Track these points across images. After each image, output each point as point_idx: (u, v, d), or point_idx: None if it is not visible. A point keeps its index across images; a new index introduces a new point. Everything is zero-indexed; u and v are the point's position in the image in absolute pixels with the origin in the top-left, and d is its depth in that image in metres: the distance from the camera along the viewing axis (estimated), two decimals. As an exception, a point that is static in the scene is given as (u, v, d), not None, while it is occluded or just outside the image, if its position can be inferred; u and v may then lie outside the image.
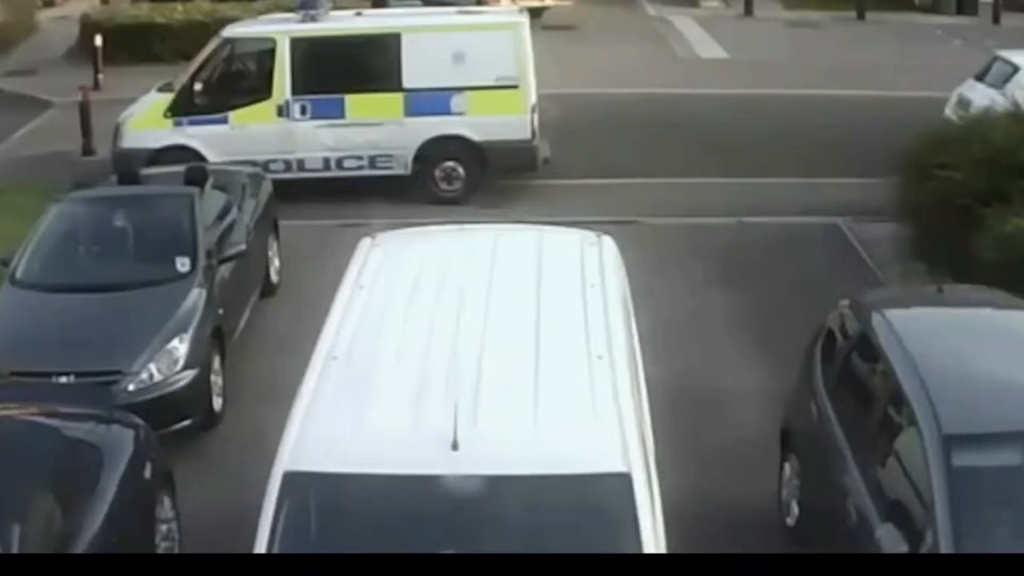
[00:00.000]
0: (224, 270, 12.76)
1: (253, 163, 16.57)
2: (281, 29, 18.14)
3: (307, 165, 17.84)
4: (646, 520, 6.75)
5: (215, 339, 12.01)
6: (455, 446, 6.77)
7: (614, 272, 9.10)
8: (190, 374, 11.41)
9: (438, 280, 8.69)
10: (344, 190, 17.71)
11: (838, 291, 10.75)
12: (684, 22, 32.04)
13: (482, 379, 7.34)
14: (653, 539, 6.75)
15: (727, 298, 14.45)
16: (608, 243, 9.59)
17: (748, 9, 32.92)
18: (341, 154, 17.84)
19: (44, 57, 27.77)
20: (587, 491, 6.80)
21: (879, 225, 15.89)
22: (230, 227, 13.54)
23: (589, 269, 8.94)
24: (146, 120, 17.93)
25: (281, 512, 6.81)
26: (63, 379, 10.87)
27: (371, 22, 18.87)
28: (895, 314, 9.28)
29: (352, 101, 17.80)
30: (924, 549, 7.39)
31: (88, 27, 26.81)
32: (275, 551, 6.71)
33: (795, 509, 9.83)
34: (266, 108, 17.76)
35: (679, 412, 10.65)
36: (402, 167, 17.98)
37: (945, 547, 7.27)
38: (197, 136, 17.64)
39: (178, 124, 17.78)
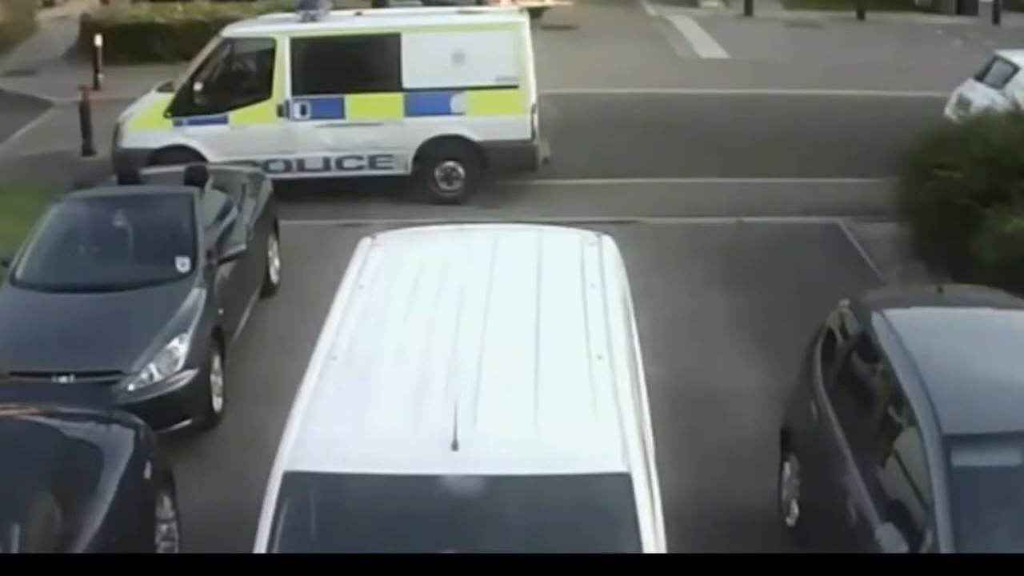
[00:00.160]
0: (224, 270, 12.76)
1: (253, 163, 16.57)
2: (281, 29, 18.14)
3: (307, 165, 17.84)
4: (646, 520, 6.75)
5: (215, 339, 12.01)
6: (455, 446, 6.77)
7: (614, 272, 9.10)
8: (190, 374, 11.41)
9: (438, 280, 8.69)
10: (344, 190, 17.71)
11: (838, 291, 10.74)
12: (684, 22, 32.04)
13: (482, 379, 7.34)
14: (653, 539, 6.75)
15: (727, 298, 14.45)
16: (608, 243, 9.59)
17: (748, 9, 32.92)
18: (341, 154, 17.84)
19: (44, 57, 27.77)
20: (587, 491, 6.80)
21: (879, 225, 15.89)
22: (230, 227, 13.54)
23: (589, 269, 8.94)
24: (146, 120, 17.94)
25: (281, 512, 6.81)
26: (63, 379, 10.87)
27: (371, 22, 18.87)
28: (895, 314, 9.28)
29: (352, 101, 17.81)
30: (924, 549, 7.39)
31: (88, 27, 26.81)
32: (275, 551, 6.71)
33: (795, 509, 9.83)
34: (266, 108, 17.76)
35: (679, 412, 10.65)
36: (402, 167, 17.98)
37: (945, 547, 7.27)
38: (197, 136, 17.64)
39: (178, 124, 17.77)
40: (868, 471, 8.33)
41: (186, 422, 11.30)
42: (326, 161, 17.85)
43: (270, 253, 14.84)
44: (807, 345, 10.18)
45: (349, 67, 18.00)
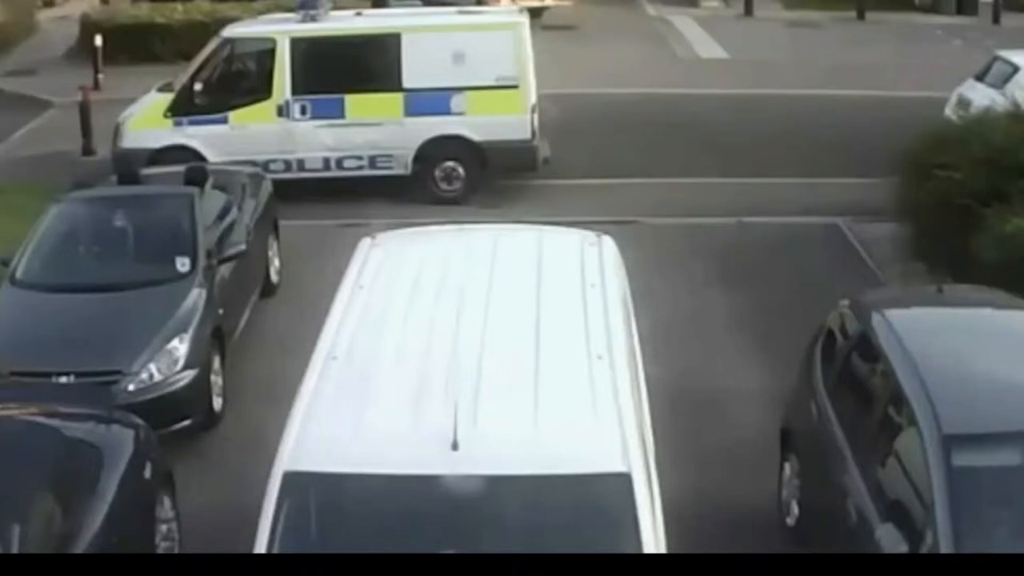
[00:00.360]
0: (224, 270, 12.76)
1: (253, 163, 16.57)
2: (281, 29, 18.14)
3: (307, 165, 17.84)
4: (646, 520, 6.75)
5: (215, 339, 12.01)
6: (455, 446, 6.77)
7: (614, 272, 9.10)
8: (190, 374, 11.41)
9: (438, 280, 8.69)
10: (344, 190, 17.71)
11: (838, 291, 10.74)
12: (684, 22, 32.04)
13: (482, 379, 7.34)
14: (653, 539, 6.75)
15: (727, 298, 14.45)
16: (608, 243, 9.59)
17: (748, 9, 32.93)
18: (341, 154, 17.84)
19: (44, 57, 27.77)
20: (587, 491, 6.80)
21: (879, 225, 15.89)
22: (230, 227, 13.54)
23: (589, 269, 8.94)
24: (146, 120, 17.94)
25: (281, 512, 6.81)
26: (63, 379, 10.87)
27: (371, 22, 18.88)
28: (895, 314, 9.28)
29: (352, 101, 17.81)
30: (924, 549, 7.39)
31: (88, 27, 26.82)
32: (275, 551, 6.71)
33: (795, 509, 9.83)
34: (266, 108, 17.76)
35: (679, 412, 10.65)
36: (402, 167, 17.98)
37: (945, 547, 7.27)
38: (197, 136, 17.64)
39: (178, 124, 17.77)
40: (868, 471, 8.33)
41: (186, 422, 11.29)
42: (326, 161, 17.85)
43: (270, 253, 14.84)
44: (807, 345, 10.18)
45: (349, 67, 18.00)
